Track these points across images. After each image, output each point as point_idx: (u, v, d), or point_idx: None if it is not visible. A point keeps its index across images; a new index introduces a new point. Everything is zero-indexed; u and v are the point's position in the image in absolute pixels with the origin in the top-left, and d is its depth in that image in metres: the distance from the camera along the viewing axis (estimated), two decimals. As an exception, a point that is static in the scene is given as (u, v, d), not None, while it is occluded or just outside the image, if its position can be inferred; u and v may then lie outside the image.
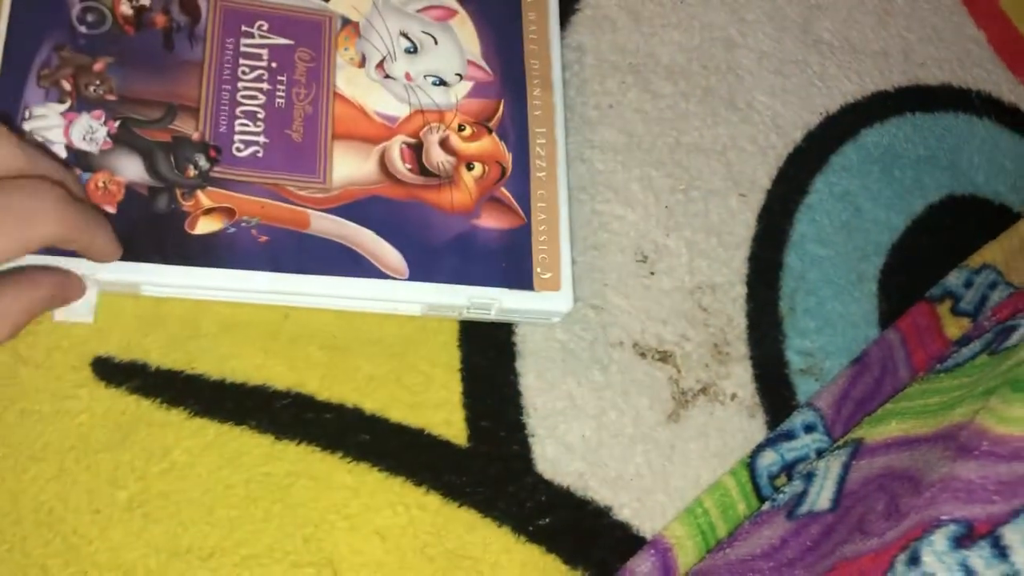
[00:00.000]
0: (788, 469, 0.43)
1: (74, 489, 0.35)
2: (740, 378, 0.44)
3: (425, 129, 0.42)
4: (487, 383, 0.41)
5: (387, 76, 0.42)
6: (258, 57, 0.40)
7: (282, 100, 0.40)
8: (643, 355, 0.43)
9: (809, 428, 0.44)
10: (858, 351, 0.46)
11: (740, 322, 0.45)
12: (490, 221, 0.41)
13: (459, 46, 0.43)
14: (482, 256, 0.40)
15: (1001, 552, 0.33)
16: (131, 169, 0.37)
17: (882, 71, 0.53)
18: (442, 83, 0.43)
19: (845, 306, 0.47)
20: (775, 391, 0.44)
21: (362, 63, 0.42)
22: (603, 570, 0.40)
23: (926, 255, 0.50)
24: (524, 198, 0.42)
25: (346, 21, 0.42)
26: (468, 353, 0.41)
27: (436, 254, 0.39)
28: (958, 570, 0.33)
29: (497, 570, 0.38)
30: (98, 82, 0.38)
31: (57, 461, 0.35)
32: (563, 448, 0.41)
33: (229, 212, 0.38)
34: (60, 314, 0.36)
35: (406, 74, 0.42)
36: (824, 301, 0.47)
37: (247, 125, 0.39)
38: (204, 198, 0.38)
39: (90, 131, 0.37)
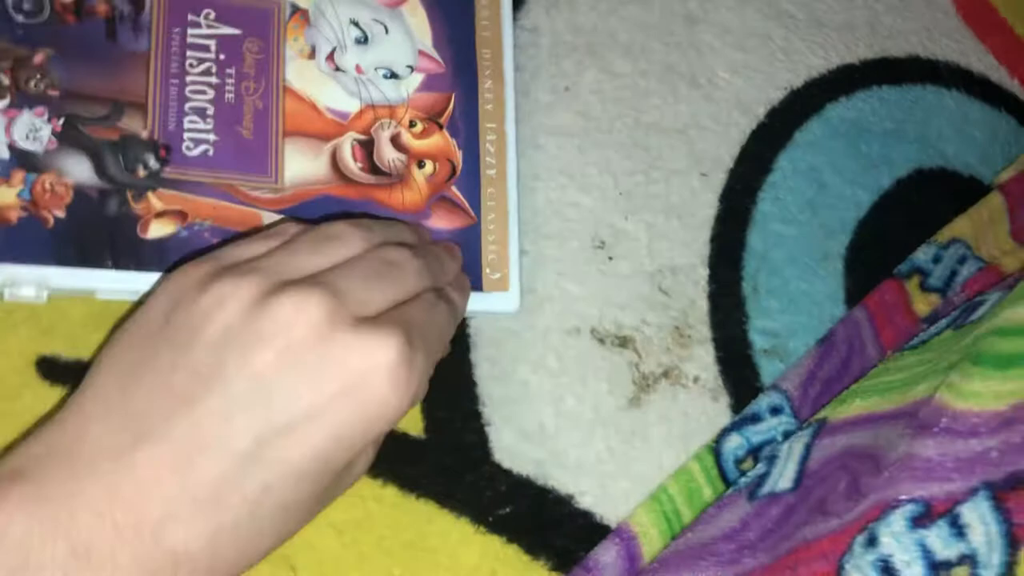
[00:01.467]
0: (754, 452, 0.43)
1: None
2: (702, 361, 0.44)
3: (376, 125, 0.41)
4: (442, 373, 0.40)
5: (337, 69, 0.41)
6: (206, 48, 0.40)
7: (231, 95, 0.39)
8: (601, 341, 0.42)
9: (775, 410, 0.43)
10: (824, 331, 0.45)
11: (702, 304, 0.44)
12: (440, 222, 0.41)
13: (410, 35, 0.43)
14: None
15: (959, 531, 0.33)
16: (79, 170, 0.37)
17: (848, 44, 0.52)
18: (393, 76, 0.42)
19: (810, 285, 0.46)
20: (739, 373, 0.44)
21: (312, 54, 0.41)
22: (566, 559, 0.39)
23: (894, 231, 0.49)
24: (474, 197, 0.41)
25: (295, 9, 0.41)
26: (423, 343, 0.40)
27: None
28: (915, 550, 0.33)
29: (456, 561, 0.38)
30: (39, 76, 0.37)
31: None
32: (521, 436, 0.40)
33: (181, 215, 0.37)
34: (10, 293, 0.35)
35: (356, 67, 0.41)
36: (788, 281, 0.46)
37: (196, 122, 0.39)
38: (155, 200, 0.37)
39: (33, 129, 0.37)
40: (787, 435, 0.43)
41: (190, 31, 0.40)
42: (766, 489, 0.40)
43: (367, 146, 0.40)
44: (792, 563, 0.37)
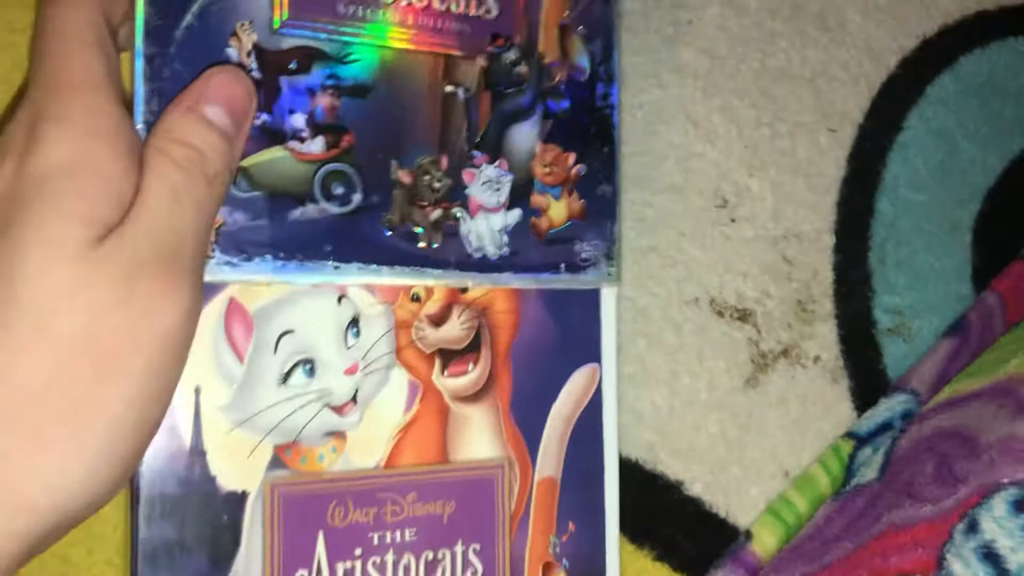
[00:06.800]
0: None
1: None
2: (824, 339, 0.39)
3: None
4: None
5: None
6: None
7: None
8: (720, 313, 0.38)
9: (907, 416, 0.39)
10: (949, 310, 0.42)
11: (826, 276, 0.40)
12: None
13: None
14: None
15: None
16: None
17: (985, -12, 0.46)
18: None
19: (937, 259, 0.42)
20: (861, 353, 0.40)
21: None
22: (671, 548, 0.36)
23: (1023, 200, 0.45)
24: None
25: None
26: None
27: None
28: (1019, 535, 0.31)
29: (557, 551, 0.34)
30: None
31: None
32: (632, 417, 0.36)
33: None
34: None
35: None
36: (916, 253, 0.42)
37: None
38: None
39: None
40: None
41: None
42: (851, 485, 0.37)
43: None
44: (881, 549, 0.34)
